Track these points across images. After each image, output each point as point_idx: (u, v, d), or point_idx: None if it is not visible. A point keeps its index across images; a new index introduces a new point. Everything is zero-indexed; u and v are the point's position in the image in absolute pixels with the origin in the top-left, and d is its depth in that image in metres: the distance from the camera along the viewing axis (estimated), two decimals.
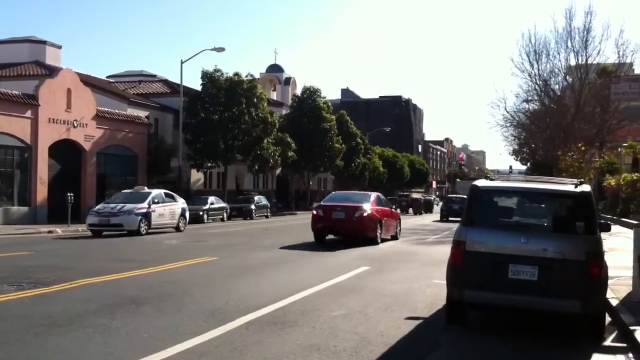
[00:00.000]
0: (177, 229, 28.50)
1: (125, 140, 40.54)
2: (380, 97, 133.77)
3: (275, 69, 75.34)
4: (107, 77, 54.40)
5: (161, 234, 26.40)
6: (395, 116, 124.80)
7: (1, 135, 31.64)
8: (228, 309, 9.62)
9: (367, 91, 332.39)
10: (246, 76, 47.78)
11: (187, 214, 30.02)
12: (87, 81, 39.72)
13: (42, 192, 33.92)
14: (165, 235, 26.06)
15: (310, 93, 61.67)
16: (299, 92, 65.70)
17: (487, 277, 8.43)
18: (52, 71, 37.79)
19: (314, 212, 23.27)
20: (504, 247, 8.45)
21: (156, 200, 27.33)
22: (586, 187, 8.99)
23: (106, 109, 39.22)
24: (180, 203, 29.40)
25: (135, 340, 7.72)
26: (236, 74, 46.94)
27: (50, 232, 27.18)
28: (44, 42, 44.48)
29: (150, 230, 26.37)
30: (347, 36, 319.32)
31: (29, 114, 33.16)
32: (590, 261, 8.15)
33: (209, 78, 45.97)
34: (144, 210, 26.10)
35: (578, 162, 34.48)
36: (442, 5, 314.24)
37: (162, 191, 29.34)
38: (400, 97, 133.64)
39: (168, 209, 28.02)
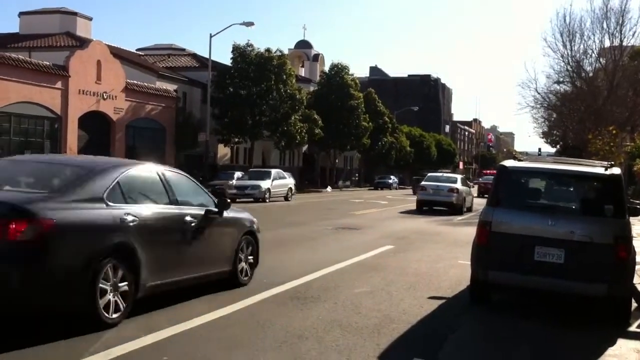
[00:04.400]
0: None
1: (154, 113, 40.77)
2: (409, 75, 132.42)
3: (303, 45, 75.04)
4: (136, 50, 54.62)
5: None
6: (424, 95, 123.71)
7: (32, 106, 32.00)
8: (251, 283, 9.67)
9: (395, 69, 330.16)
10: (275, 52, 47.61)
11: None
12: (117, 53, 39.92)
13: None
14: None
15: (339, 70, 61.29)
16: (327, 68, 65.37)
17: (512, 259, 8.35)
18: (83, 43, 38.03)
19: (481, 184, 51.47)
20: (530, 229, 8.36)
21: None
22: (616, 170, 8.84)
23: (135, 82, 39.44)
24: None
25: (159, 311, 7.80)
26: (267, 50, 46.80)
27: None
28: (75, 14, 44.82)
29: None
30: (377, 13, 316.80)
31: (59, 84, 33.46)
32: (618, 245, 8.04)
33: (240, 52, 45.86)
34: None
35: (609, 145, 33.94)
36: None
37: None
38: (429, 76, 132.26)
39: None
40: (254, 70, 45.24)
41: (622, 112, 42.15)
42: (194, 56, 54.61)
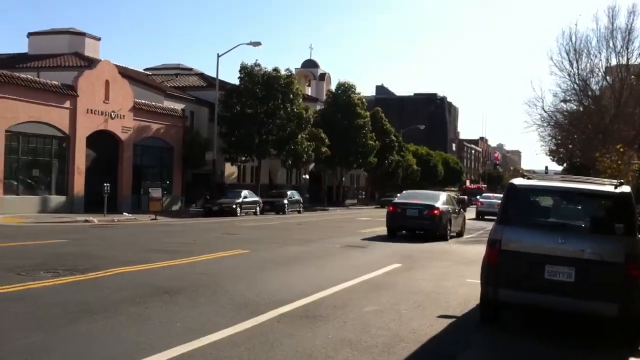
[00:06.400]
0: None
1: (161, 132, 40.93)
2: (415, 94, 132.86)
3: (310, 64, 75.37)
4: (144, 70, 54.97)
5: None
6: (430, 114, 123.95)
7: (40, 125, 32.15)
8: (260, 302, 9.64)
9: (402, 88, 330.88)
10: (286, 71, 47.84)
11: None
12: (125, 73, 40.17)
13: (79, 181, 34.40)
14: (202, 227, 26.23)
15: (345, 89, 61.49)
16: (333, 87, 65.60)
17: (522, 277, 8.31)
18: (91, 63, 38.28)
19: None
20: (540, 247, 8.32)
21: None
22: (626, 188, 8.81)
23: (143, 101, 39.63)
24: None
25: (168, 329, 7.78)
26: (275, 70, 46.99)
27: (86, 221, 27.59)
28: (83, 34, 45.18)
29: None
30: (383, 33, 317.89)
31: (67, 104, 33.64)
32: (629, 264, 7.97)
33: (247, 72, 46.05)
34: None
35: (616, 163, 33.85)
36: (481, 1, 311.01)
37: None
38: (435, 94, 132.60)
39: None
40: (261, 89, 45.41)
41: (629, 130, 42.06)
42: (202, 76, 54.90)
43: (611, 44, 41.39)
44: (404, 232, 24.72)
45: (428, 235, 23.53)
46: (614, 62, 41.97)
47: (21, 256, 14.04)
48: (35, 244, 17.20)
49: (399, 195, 28.28)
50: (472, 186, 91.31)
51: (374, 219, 39.36)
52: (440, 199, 24.71)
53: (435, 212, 23.54)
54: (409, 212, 23.95)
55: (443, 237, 23.54)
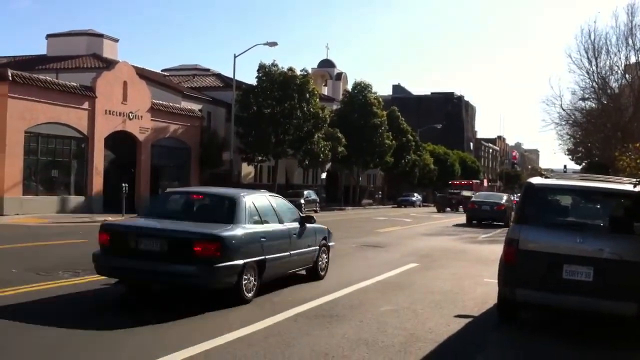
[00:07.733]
0: None
1: (179, 132, 41.08)
2: (432, 93, 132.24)
3: (326, 64, 75.34)
4: (161, 71, 55.21)
5: None
6: (447, 113, 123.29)
7: (59, 126, 32.38)
8: (277, 301, 9.67)
9: (418, 87, 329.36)
10: (301, 71, 47.87)
11: None
12: (143, 74, 40.34)
13: (97, 182, 34.62)
14: None
15: (361, 88, 61.36)
16: (349, 87, 65.50)
17: (540, 277, 8.26)
18: (109, 64, 38.52)
19: None
20: (558, 247, 8.26)
21: None
22: None
23: (161, 102, 39.78)
24: None
25: (185, 327, 7.83)
26: (290, 69, 47.06)
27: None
28: (101, 36, 45.49)
29: None
30: (399, 32, 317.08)
31: (86, 105, 33.86)
32: None
33: (265, 71, 46.13)
34: None
35: (635, 162, 33.53)
36: (498, 0, 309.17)
37: None
38: (452, 93, 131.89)
39: None
40: (278, 89, 45.48)
41: None
42: (218, 76, 55.05)
43: (630, 42, 40.97)
44: (474, 222, 33.96)
45: (496, 225, 32.97)
46: (633, 59, 41.55)
47: (41, 256, 14.19)
48: (54, 244, 17.35)
49: (475, 195, 39.20)
50: (463, 182, 78.69)
51: (391, 218, 39.30)
52: (504, 198, 36.12)
53: (502, 207, 34.22)
54: (483, 207, 34.75)
55: (506, 225, 29.62)
